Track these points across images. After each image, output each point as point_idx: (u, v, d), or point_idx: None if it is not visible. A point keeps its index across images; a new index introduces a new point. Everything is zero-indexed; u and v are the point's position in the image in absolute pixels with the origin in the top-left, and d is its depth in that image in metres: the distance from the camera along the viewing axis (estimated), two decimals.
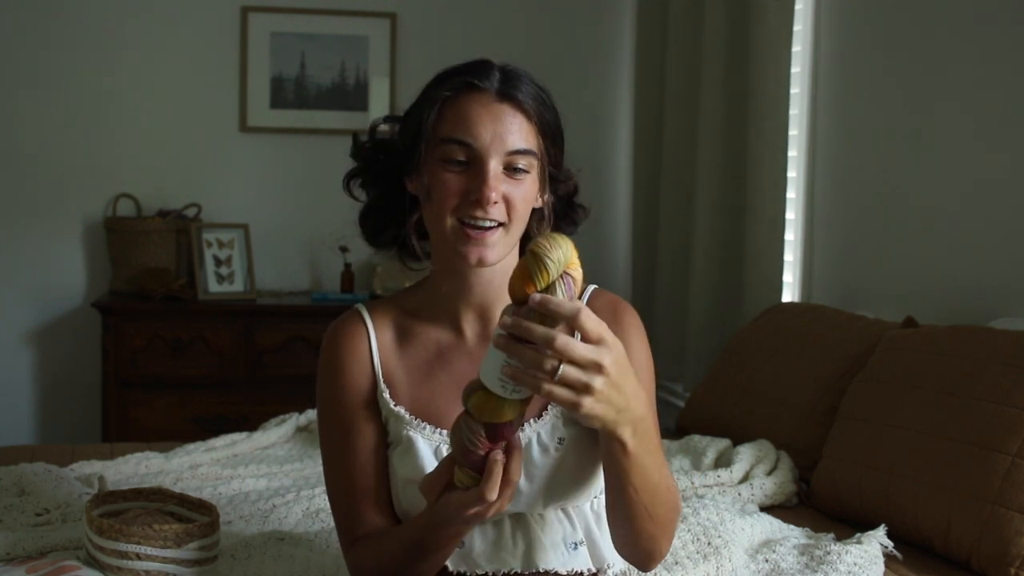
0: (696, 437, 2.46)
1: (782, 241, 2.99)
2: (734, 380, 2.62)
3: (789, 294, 3.12)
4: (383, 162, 1.41)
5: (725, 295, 3.23)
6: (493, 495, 1.16)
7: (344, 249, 3.80)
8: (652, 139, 3.68)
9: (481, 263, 1.31)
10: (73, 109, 3.90)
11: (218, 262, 3.82)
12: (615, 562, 1.40)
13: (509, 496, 1.18)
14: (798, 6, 2.97)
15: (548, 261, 1.10)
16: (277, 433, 2.58)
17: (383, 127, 1.43)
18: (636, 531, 1.29)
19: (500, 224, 1.30)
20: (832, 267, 2.96)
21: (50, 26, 3.86)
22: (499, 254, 1.32)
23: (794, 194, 3.06)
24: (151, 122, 3.96)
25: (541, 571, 1.35)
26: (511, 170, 1.31)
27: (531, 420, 1.36)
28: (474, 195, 1.28)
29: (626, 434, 1.18)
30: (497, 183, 1.29)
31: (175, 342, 3.64)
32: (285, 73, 4.02)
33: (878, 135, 2.76)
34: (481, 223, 1.29)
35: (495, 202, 1.29)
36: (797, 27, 2.98)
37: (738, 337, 2.77)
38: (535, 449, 1.34)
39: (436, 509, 1.21)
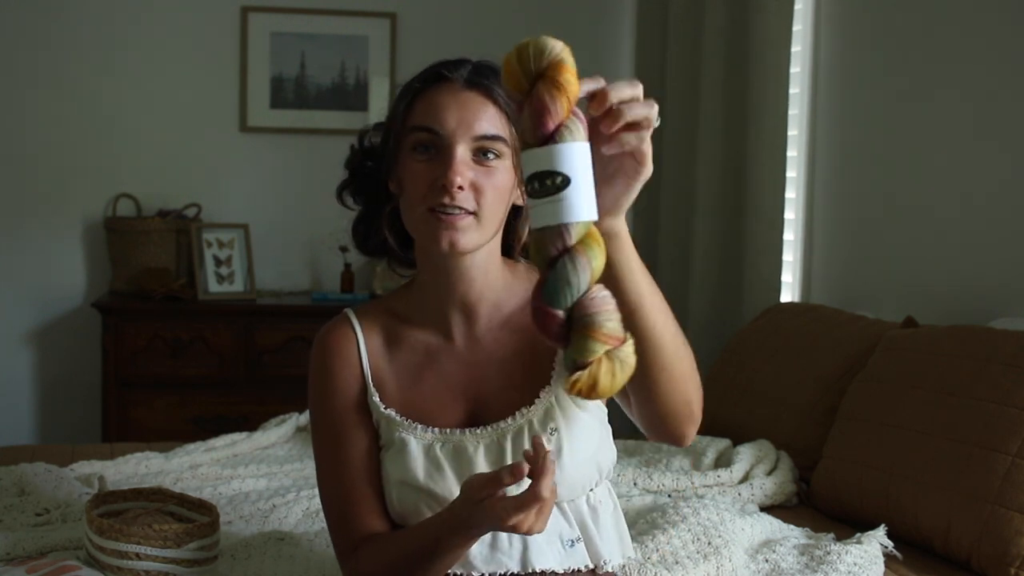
0: (696, 437, 2.45)
1: (781, 241, 2.99)
2: (734, 380, 2.62)
3: (789, 294, 3.12)
4: (370, 168, 1.41)
5: (725, 295, 3.23)
6: (547, 491, 1.14)
7: (344, 249, 3.79)
8: (652, 139, 3.67)
9: (453, 248, 1.29)
10: (73, 109, 3.90)
11: (218, 262, 3.82)
12: (611, 558, 1.40)
13: (547, 512, 1.17)
14: (797, 6, 2.97)
15: (570, 78, 0.97)
16: (277, 433, 2.58)
17: (372, 133, 1.44)
18: (668, 376, 1.18)
19: (471, 212, 1.29)
20: (832, 267, 2.96)
21: (50, 26, 3.86)
22: (472, 241, 1.30)
23: (794, 194, 3.06)
24: (151, 122, 3.96)
25: (538, 572, 1.35)
26: (481, 156, 1.30)
27: (522, 408, 1.35)
28: (440, 181, 1.28)
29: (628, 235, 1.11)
30: (463, 168, 1.28)
31: (175, 342, 3.64)
32: (285, 73, 4.02)
33: (878, 135, 2.76)
34: (450, 210, 1.28)
35: (460, 187, 1.27)
36: (797, 27, 2.98)
37: (738, 337, 2.77)
38: (526, 440, 1.34)
39: (472, 511, 1.20)
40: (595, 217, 0.96)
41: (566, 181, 0.94)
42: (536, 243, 0.96)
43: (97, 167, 3.93)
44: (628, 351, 0.96)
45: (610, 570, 1.40)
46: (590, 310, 0.95)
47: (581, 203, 0.94)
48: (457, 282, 1.37)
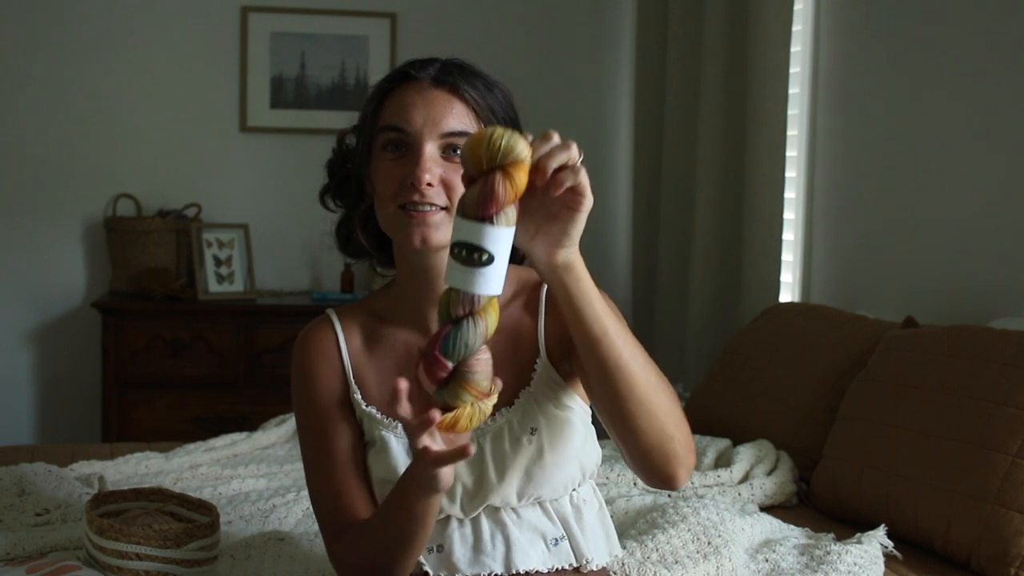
0: (696, 437, 2.45)
1: (780, 241, 2.99)
2: (734, 380, 2.62)
3: (788, 294, 3.12)
4: (348, 170, 1.44)
5: (725, 295, 3.23)
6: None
7: None
8: (652, 139, 3.68)
9: (425, 243, 1.31)
10: (73, 109, 3.90)
11: (218, 262, 3.82)
12: (595, 556, 1.40)
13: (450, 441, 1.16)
14: (797, 6, 2.97)
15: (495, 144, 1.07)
16: (277, 433, 2.58)
17: (350, 136, 1.46)
18: (644, 410, 1.18)
19: (443, 208, 1.32)
20: (832, 267, 2.96)
21: (50, 26, 3.86)
22: (444, 235, 1.32)
23: (794, 194, 3.06)
24: (151, 122, 3.96)
25: (522, 573, 1.35)
26: (450, 153, 1.32)
27: (502, 408, 1.36)
28: (409, 179, 1.31)
29: (583, 270, 1.17)
30: (432, 165, 1.31)
31: (175, 342, 3.64)
32: (285, 73, 4.02)
33: (877, 135, 2.76)
34: (420, 207, 1.31)
35: (429, 184, 1.30)
36: (796, 27, 2.98)
37: (738, 337, 2.77)
38: (506, 439, 1.35)
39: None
40: (500, 292, 1.10)
41: (490, 259, 1.07)
42: (447, 298, 1.10)
43: (97, 167, 3.93)
44: (488, 404, 1.12)
45: (594, 568, 1.40)
46: (473, 368, 1.10)
47: (496, 280, 1.08)
48: (435, 280, 1.38)
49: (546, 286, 1.40)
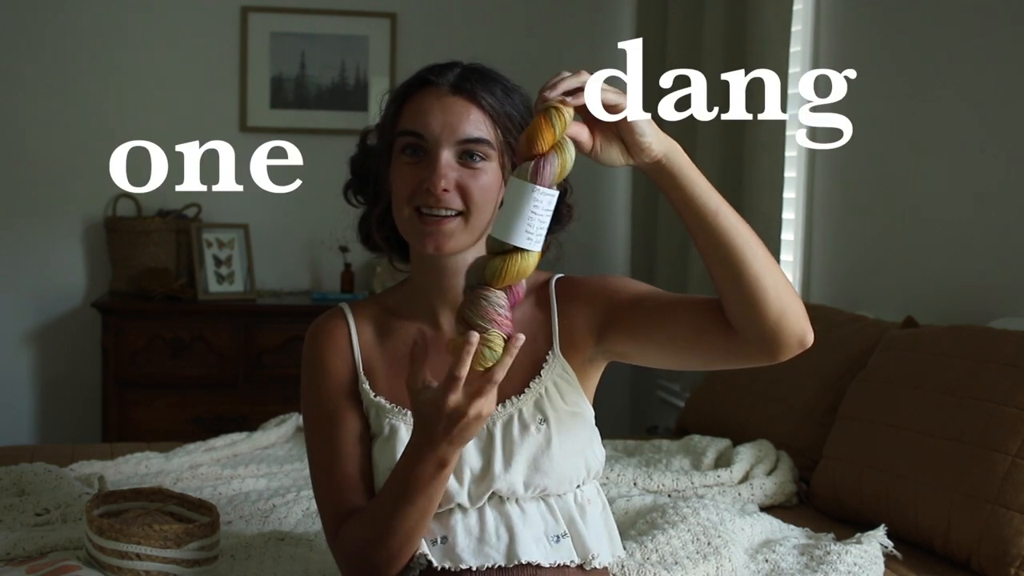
0: (696, 437, 2.46)
1: (779, 241, 2.98)
2: (734, 380, 2.62)
3: None
4: (369, 168, 1.46)
5: None
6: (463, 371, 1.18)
7: (344, 249, 3.79)
8: None
9: (438, 250, 1.35)
10: (73, 109, 3.90)
11: (218, 262, 3.82)
12: (600, 553, 1.41)
13: (492, 392, 1.20)
14: (797, 6, 2.97)
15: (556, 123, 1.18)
16: (277, 433, 2.58)
17: (373, 134, 1.48)
18: (766, 272, 1.24)
19: (458, 213, 1.34)
20: (832, 267, 2.96)
21: (50, 25, 3.86)
22: (459, 242, 1.36)
23: (793, 194, 3.06)
24: (151, 122, 3.96)
25: (524, 563, 1.35)
26: (467, 159, 1.35)
27: (512, 397, 1.38)
28: (425, 184, 1.33)
29: (681, 155, 1.23)
30: (448, 171, 1.33)
31: (175, 342, 3.64)
32: (285, 73, 4.02)
33: (877, 135, 2.76)
34: (436, 212, 1.33)
35: (445, 190, 1.33)
36: (796, 27, 2.98)
37: None
38: (515, 427, 1.37)
39: (416, 407, 1.24)
40: (516, 243, 1.19)
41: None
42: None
43: (97, 167, 3.92)
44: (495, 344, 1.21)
45: (597, 566, 1.40)
46: (488, 306, 1.20)
47: (505, 223, 1.19)
48: (450, 280, 1.41)
49: (554, 283, 1.46)
